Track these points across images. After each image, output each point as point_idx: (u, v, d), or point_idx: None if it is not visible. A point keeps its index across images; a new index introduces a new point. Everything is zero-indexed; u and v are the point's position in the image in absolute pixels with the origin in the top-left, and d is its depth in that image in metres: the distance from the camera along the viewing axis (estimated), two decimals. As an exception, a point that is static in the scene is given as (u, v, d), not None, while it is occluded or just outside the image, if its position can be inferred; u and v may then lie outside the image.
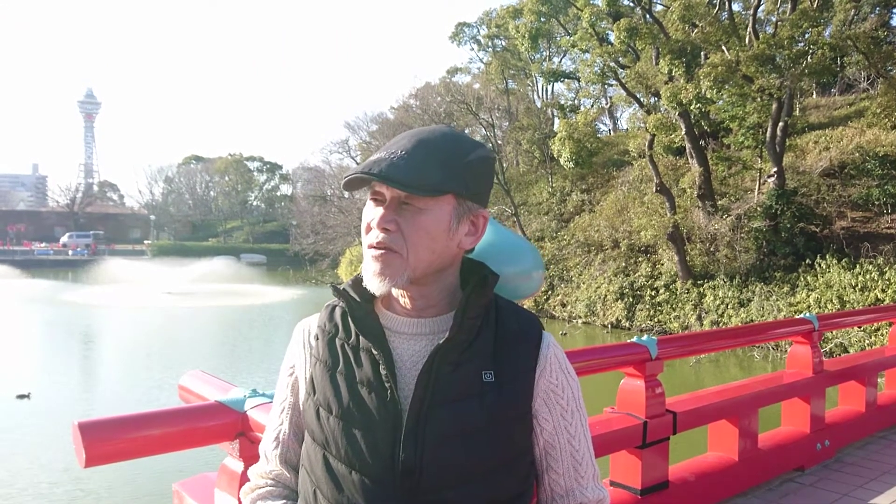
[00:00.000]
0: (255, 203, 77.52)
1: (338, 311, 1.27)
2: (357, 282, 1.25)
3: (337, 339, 1.23)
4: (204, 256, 47.03)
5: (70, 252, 58.96)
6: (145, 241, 67.36)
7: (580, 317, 22.55)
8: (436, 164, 1.14)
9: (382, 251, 1.15)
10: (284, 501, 1.27)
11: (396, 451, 1.12)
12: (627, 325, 20.77)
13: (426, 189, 1.12)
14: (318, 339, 1.26)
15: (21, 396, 11.78)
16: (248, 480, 1.34)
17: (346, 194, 45.64)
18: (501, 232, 1.52)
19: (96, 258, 50.09)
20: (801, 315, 4.51)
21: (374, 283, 1.17)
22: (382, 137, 40.48)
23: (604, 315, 21.82)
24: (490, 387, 1.16)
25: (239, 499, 1.43)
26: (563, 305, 23.61)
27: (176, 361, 15.50)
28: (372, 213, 1.18)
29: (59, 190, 78.11)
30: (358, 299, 1.23)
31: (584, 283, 23.51)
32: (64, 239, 64.82)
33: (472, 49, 42.86)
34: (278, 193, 76.58)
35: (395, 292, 1.23)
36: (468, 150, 1.19)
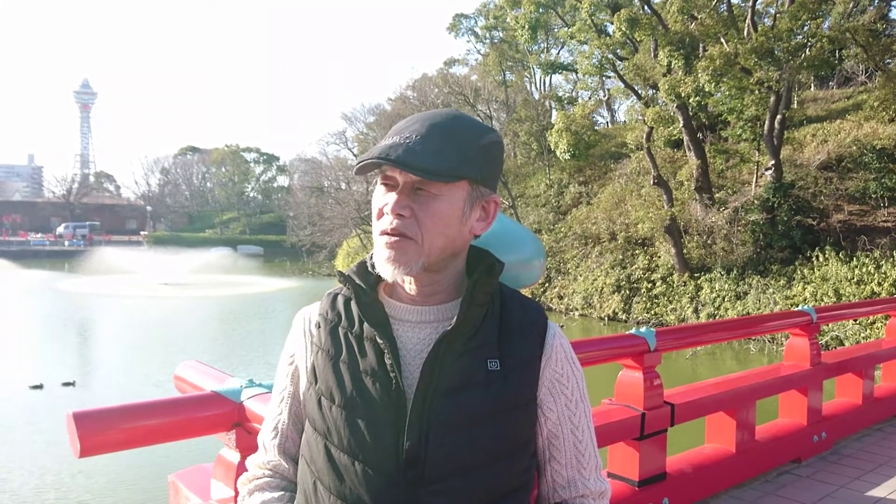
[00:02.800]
0: (251, 194, 77.36)
1: (340, 300, 1.24)
2: (362, 268, 1.22)
3: (340, 328, 1.21)
4: (200, 247, 46.99)
5: (66, 243, 58.86)
6: (141, 232, 67.18)
7: (577, 309, 22.58)
8: (451, 148, 1.12)
9: (397, 238, 1.12)
10: (282, 493, 1.25)
11: (400, 441, 1.11)
12: (624, 317, 20.80)
13: (444, 175, 1.10)
14: (319, 327, 1.23)
15: (66, 384, 12.50)
16: (246, 471, 1.31)
17: (343, 185, 45.63)
18: (502, 220, 1.50)
19: (92, 248, 49.97)
20: (799, 307, 4.50)
21: (388, 271, 1.14)
22: (379, 129, 40.37)
23: (600, 307, 21.85)
24: (495, 375, 1.15)
25: (236, 489, 1.41)
26: (560, 298, 23.62)
27: (172, 351, 15.49)
28: (384, 198, 1.15)
29: (55, 180, 77.86)
30: (363, 286, 1.20)
31: (581, 276, 23.52)
32: (60, 230, 64.64)
33: (470, 41, 42.80)
34: (275, 185, 76.47)
35: (402, 280, 1.20)
36: (481, 135, 1.17)
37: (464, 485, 1.11)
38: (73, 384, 12.55)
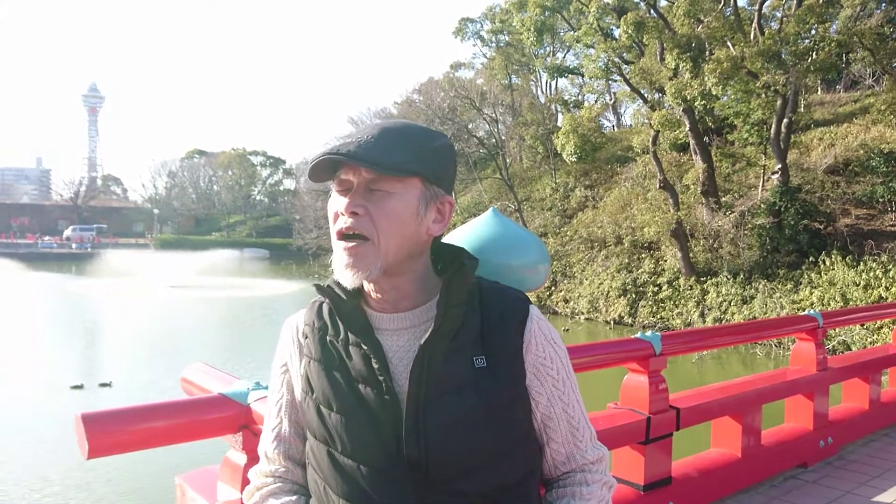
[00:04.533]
0: (258, 197, 77.38)
1: (325, 308, 1.26)
2: None
3: (328, 337, 1.23)
4: (207, 250, 47.09)
5: (73, 245, 59.08)
6: (148, 235, 67.39)
7: (583, 313, 22.54)
8: (403, 147, 1.15)
9: (353, 242, 1.15)
10: (297, 497, 1.25)
11: (401, 446, 1.12)
12: (630, 321, 20.75)
13: (396, 169, 1.12)
14: (307, 336, 1.25)
15: (103, 385, 12.65)
16: (250, 479, 1.32)
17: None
18: (507, 225, 1.51)
19: (99, 251, 50.16)
20: (806, 312, 4.49)
21: (347, 276, 1.16)
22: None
23: (606, 311, 21.80)
24: (483, 372, 1.16)
25: (243, 489, 1.41)
26: (566, 301, 23.60)
27: (179, 354, 15.51)
28: (339, 201, 1.17)
29: (62, 183, 78.07)
30: (344, 297, 1.22)
31: (586, 280, 23.49)
32: (67, 232, 64.85)
33: (476, 44, 42.82)
34: (281, 188, 76.45)
35: (367, 287, 1.22)
36: (433, 138, 1.21)
37: (470, 484, 1.13)
38: (109, 385, 12.70)
